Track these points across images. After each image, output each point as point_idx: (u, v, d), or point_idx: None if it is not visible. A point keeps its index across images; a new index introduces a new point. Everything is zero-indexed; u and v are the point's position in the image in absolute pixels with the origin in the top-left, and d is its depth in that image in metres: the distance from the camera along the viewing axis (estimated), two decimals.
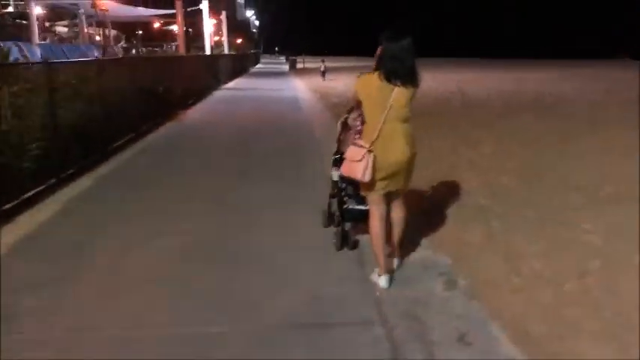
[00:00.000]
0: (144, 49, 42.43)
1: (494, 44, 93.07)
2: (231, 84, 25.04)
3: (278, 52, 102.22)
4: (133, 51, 42.21)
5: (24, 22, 34.34)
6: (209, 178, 6.46)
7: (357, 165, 3.37)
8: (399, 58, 3.33)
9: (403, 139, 3.39)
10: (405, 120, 3.42)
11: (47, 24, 37.32)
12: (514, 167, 6.80)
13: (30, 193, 5.55)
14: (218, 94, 19.71)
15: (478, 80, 26.06)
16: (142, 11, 26.91)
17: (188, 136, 10.05)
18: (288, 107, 14.85)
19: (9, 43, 17.25)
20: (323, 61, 28.54)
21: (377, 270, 3.59)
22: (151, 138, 9.53)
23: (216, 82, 21.85)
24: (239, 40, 77.96)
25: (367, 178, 3.37)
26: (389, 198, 3.61)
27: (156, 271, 3.76)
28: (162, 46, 41.39)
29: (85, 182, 6.32)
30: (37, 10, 31.14)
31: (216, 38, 57.26)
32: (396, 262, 3.79)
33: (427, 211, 5.08)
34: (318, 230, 4.49)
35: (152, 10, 26.60)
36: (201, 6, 27.33)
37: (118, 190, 6.01)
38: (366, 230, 3.80)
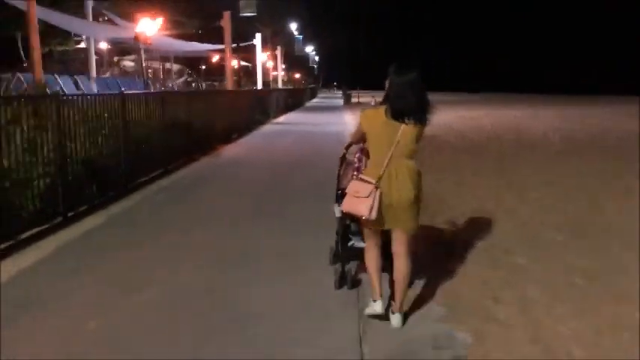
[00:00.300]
0: (203, 83, 43.58)
1: (549, 80, 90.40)
2: (281, 118, 24.94)
3: (336, 86, 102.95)
4: (193, 85, 43.40)
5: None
6: (220, 225, 5.97)
7: (363, 202, 3.24)
8: (404, 95, 3.25)
9: (408, 176, 3.30)
10: (411, 157, 3.35)
11: (116, 59, 39.06)
12: (563, 219, 5.94)
13: (27, 234, 5.25)
14: (265, 128, 19.55)
15: (536, 116, 24.80)
16: (197, 46, 27.47)
17: (218, 172, 9.68)
18: (330, 142, 14.32)
19: (65, 77, 17.84)
20: (373, 97, 28.16)
21: (372, 294, 3.47)
22: (180, 174, 9.23)
23: (265, 117, 21.74)
24: (297, 75, 79.41)
25: (374, 215, 3.24)
26: (388, 235, 3.49)
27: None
28: (222, 80, 42.33)
29: (92, 221, 5.97)
30: (103, 45, 32.62)
31: (274, 73, 58.39)
32: (398, 318, 3.41)
33: (451, 270, 4.37)
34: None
35: (207, 45, 27.03)
36: (254, 41, 27.69)
37: (113, 237, 5.61)
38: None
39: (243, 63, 44.95)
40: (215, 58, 41.89)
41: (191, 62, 48.81)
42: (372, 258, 3.50)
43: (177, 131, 10.13)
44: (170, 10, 44.51)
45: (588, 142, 13.80)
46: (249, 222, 5.95)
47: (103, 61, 18.98)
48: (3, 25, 28.25)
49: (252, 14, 21.75)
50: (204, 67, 49.15)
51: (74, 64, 34.74)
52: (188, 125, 10.94)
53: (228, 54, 19.26)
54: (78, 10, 21.21)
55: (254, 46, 28.73)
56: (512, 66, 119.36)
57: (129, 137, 7.85)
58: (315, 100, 57.15)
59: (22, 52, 40.39)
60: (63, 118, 6.01)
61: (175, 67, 46.82)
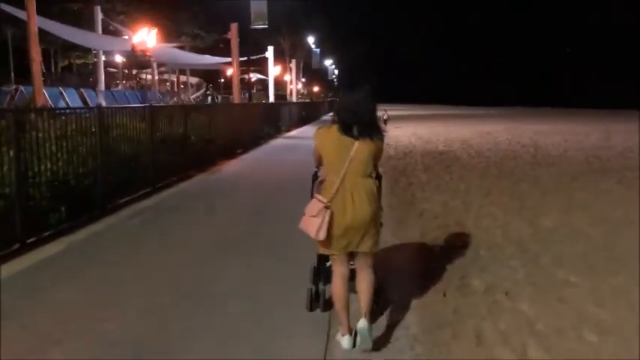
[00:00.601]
0: (219, 96, 43.39)
1: (575, 92, 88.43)
2: (294, 132, 24.41)
3: None
4: (209, 98, 43.25)
5: (111, 69, 36.27)
6: (184, 261, 5.36)
7: (313, 221, 3.19)
8: (354, 110, 3.19)
9: (364, 195, 3.21)
10: (368, 175, 3.26)
11: (135, 72, 39.20)
12: (578, 255, 5.20)
13: None
14: (275, 142, 19.02)
15: (557, 132, 23.84)
16: (207, 59, 27.22)
17: (208, 191, 9.10)
18: None
19: (71, 90, 17.63)
20: (385, 111, 27.52)
21: (341, 329, 3.36)
22: (167, 193, 8.70)
23: (276, 130, 21.25)
24: (316, 88, 79.18)
25: (321, 236, 3.18)
26: (352, 257, 3.39)
27: None
28: (250, 94, 41.89)
29: (49, 250, 5.42)
30: (118, 59, 32.69)
31: (292, 86, 58.16)
32: (364, 323, 3.22)
33: (441, 318, 3.70)
34: None
35: (218, 57, 26.73)
36: (266, 54, 27.32)
37: (58, 271, 5.05)
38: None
39: (259, 76, 44.82)
40: (231, 72, 41.76)
41: (211, 75, 48.77)
42: (338, 289, 3.32)
43: (170, 147, 9.64)
44: (188, 22, 44.71)
45: (613, 162, 12.93)
46: (223, 258, 5.33)
47: (119, 73, 18.62)
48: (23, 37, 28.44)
49: (264, 27, 21.34)
50: (222, 80, 49.04)
51: (93, 77, 34.95)
52: (183, 140, 10.45)
53: (235, 66, 18.85)
54: (89, 24, 21.09)
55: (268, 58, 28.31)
56: (540, 78, 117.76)
57: (111, 154, 7.36)
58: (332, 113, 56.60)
59: (42, 66, 40.96)
60: (25, 134, 5.52)
61: (194, 80, 46.85)
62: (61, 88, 17.26)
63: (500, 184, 9.36)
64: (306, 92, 66.98)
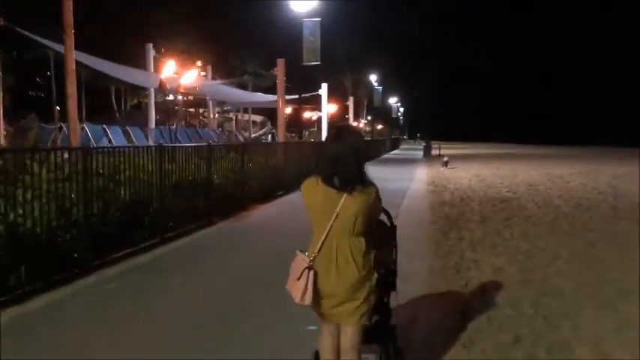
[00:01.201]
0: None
1: None
2: None
3: (419, 137, 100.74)
4: (269, 136, 43.04)
5: (177, 108, 36.92)
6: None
7: (296, 284, 2.83)
8: (337, 161, 2.83)
9: (350, 256, 2.83)
10: (357, 233, 2.85)
11: (201, 110, 39.80)
12: None
13: None
14: None
15: None
16: (260, 96, 26.76)
17: (226, 243, 8.00)
18: (386, 203, 12.32)
19: (115, 127, 17.35)
20: (438, 147, 25.91)
21: None
22: (175, 245, 7.65)
23: None
24: (379, 126, 78.20)
25: (307, 301, 2.82)
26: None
27: None
28: (303, 132, 41.46)
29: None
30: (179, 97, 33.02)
31: (354, 124, 57.41)
32: None
33: None
34: None
35: (269, 95, 26.17)
36: (320, 91, 26.50)
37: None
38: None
39: (320, 114, 44.29)
40: (288, 110, 41.40)
41: (275, 113, 48.78)
42: (325, 351, 3.02)
43: (185, 191, 8.66)
44: (250, 61, 45.07)
45: None
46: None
47: (153, 112, 18.35)
48: (98, 78, 29.37)
49: (316, 63, 20.55)
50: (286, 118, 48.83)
51: (159, 114, 35.64)
52: (206, 183, 9.47)
53: (280, 103, 18.02)
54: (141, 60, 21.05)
55: (338, 97, 27.49)
56: (622, 116, 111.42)
57: (107, 202, 6.44)
58: (395, 151, 55.11)
59: (114, 103, 42.54)
60: None
61: (258, 118, 47.05)
62: (105, 126, 17.03)
63: (572, 245, 7.69)
64: (369, 130, 66.01)
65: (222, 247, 7.71)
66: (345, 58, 51.49)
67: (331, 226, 2.83)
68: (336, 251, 2.84)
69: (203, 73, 19.15)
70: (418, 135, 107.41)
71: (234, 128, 35.54)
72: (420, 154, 44.37)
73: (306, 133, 42.62)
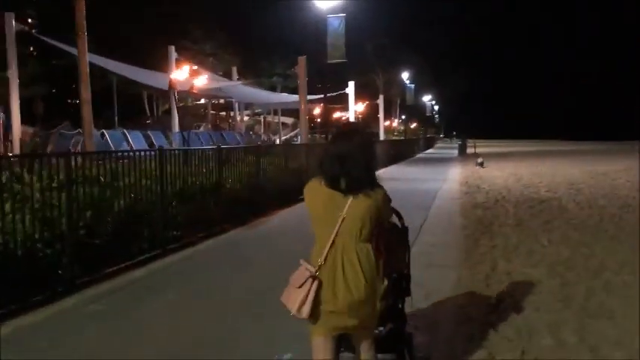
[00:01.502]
0: (309, 136, 42.55)
1: None
2: (377, 173, 22.44)
3: (455, 135, 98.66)
4: (298, 138, 42.58)
5: (212, 112, 36.95)
6: None
7: (296, 293, 2.59)
8: (344, 161, 2.61)
9: (358, 264, 2.59)
10: (364, 239, 2.63)
11: (232, 113, 39.72)
12: None
13: None
14: None
15: None
16: (284, 97, 26.17)
17: (235, 254, 7.40)
18: (415, 205, 11.55)
19: (136, 132, 17.02)
20: (474, 145, 24.80)
21: None
22: (180, 256, 7.08)
23: None
24: (413, 125, 76.77)
25: (305, 313, 2.58)
26: (345, 341, 2.85)
27: None
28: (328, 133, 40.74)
29: None
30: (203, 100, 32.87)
31: (386, 123, 56.41)
32: None
33: None
34: None
35: (294, 95, 25.56)
36: (347, 90, 25.71)
37: None
38: None
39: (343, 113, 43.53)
40: (316, 111, 40.86)
41: (310, 116, 48.28)
42: None
43: (193, 197, 8.10)
44: (280, 63, 44.70)
45: None
46: None
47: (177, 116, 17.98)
48: (129, 84, 29.48)
49: (342, 61, 19.86)
50: (318, 120, 48.29)
51: (194, 119, 35.73)
52: (216, 188, 8.89)
53: (302, 102, 17.38)
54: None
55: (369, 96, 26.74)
56: None
57: (101, 211, 5.90)
58: (429, 150, 53.86)
59: (147, 108, 42.88)
60: None
61: (289, 120, 46.67)
62: (125, 131, 16.74)
63: (620, 252, 6.78)
64: (402, 129, 64.81)
65: (227, 260, 7.07)
66: (377, 55, 50.53)
67: (337, 232, 2.63)
68: (342, 259, 2.62)
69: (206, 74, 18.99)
70: (454, 133, 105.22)
71: (262, 130, 35.15)
72: (455, 152, 43.16)
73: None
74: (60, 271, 5.40)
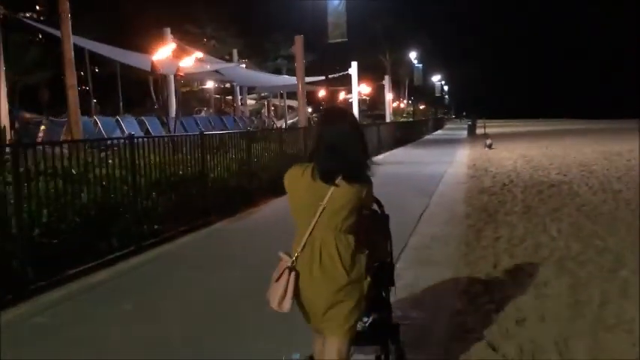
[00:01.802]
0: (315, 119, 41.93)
1: None
2: (380, 156, 21.71)
3: (465, 116, 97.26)
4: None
5: (216, 96, 36.31)
6: None
7: (275, 287, 2.49)
8: (335, 149, 2.47)
9: (337, 255, 2.47)
10: (345, 230, 2.50)
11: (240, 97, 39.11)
12: None
13: None
14: None
15: None
16: (285, 79, 25.46)
17: (213, 250, 6.85)
18: (418, 191, 10.92)
19: (130, 118, 16.47)
20: (484, 126, 24.01)
21: None
22: (151, 254, 6.52)
23: None
24: (422, 106, 75.58)
25: (286, 307, 2.47)
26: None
27: None
28: None
29: None
30: (209, 85, 32.25)
31: (395, 104, 55.47)
32: None
33: None
34: None
35: (293, 77, 24.83)
36: (350, 70, 24.90)
37: None
38: None
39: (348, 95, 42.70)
40: (321, 94, 40.00)
41: (312, 98, 47.53)
42: (319, 353, 2.70)
43: (173, 188, 7.55)
44: (284, 45, 43.84)
45: None
46: None
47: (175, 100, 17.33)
48: (132, 70, 28.90)
49: (343, 40, 19.11)
50: (324, 102, 47.50)
51: (195, 103, 35.19)
52: (200, 177, 8.32)
53: (300, 83, 16.68)
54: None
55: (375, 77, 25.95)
56: None
57: (61, 207, 5.34)
58: (438, 131, 52.87)
59: (152, 94, 42.34)
60: None
61: (295, 103, 45.95)
62: (119, 117, 16.17)
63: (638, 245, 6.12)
64: (411, 110, 63.75)
65: (205, 257, 6.51)
66: (384, 35, 49.48)
67: (316, 221, 2.50)
68: (320, 249, 2.50)
69: (200, 55, 18.01)
70: (464, 114, 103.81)
71: (265, 114, 34.49)
72: (465, 133, 42.28)
73: None
74: (11, 276, 4.88)
